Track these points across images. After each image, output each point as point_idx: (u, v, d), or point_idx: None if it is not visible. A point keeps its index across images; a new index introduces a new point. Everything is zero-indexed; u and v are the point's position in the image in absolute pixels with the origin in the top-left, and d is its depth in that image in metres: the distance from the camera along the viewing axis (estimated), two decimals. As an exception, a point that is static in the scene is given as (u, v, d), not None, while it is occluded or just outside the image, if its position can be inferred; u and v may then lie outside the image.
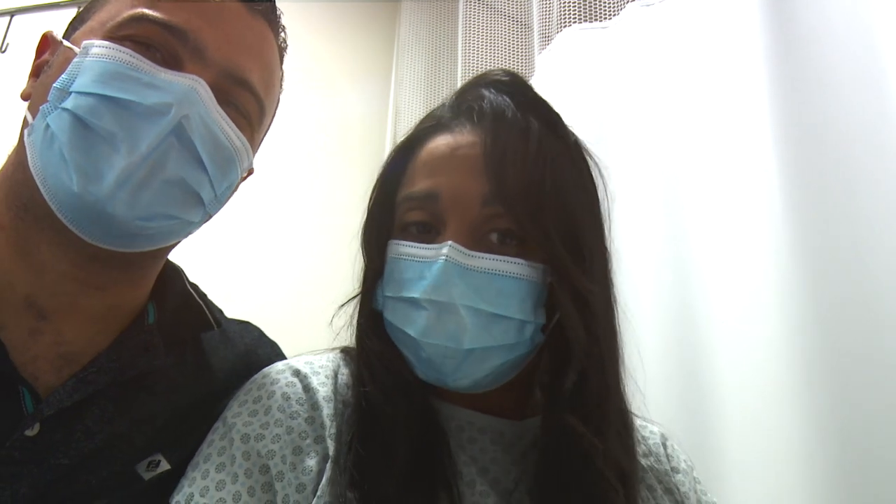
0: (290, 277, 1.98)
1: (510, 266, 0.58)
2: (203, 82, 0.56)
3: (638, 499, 0.60)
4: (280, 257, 1.96)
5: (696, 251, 1.10)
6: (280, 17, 0.68)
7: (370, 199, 0.68)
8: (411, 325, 0.59)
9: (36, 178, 0.54)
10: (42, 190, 0.54)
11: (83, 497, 0.55)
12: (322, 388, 0.62)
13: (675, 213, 1.14)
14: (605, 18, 1.40)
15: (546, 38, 1.52)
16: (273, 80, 0.67)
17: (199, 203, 0.59)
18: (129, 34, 0.56)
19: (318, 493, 0.54)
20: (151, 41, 0.57)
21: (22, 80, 1.68)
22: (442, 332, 0.57)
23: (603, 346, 0.60)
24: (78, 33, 0.59)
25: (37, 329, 0.57)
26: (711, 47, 1.14)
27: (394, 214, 0.64)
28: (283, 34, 0.68)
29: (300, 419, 0.59)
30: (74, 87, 0.54)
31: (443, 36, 2.12)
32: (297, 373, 0.63)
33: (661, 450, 0.72)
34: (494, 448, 0.62)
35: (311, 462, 0.56)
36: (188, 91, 0.55)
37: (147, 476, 0.58)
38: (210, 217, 0.64)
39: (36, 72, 0.61)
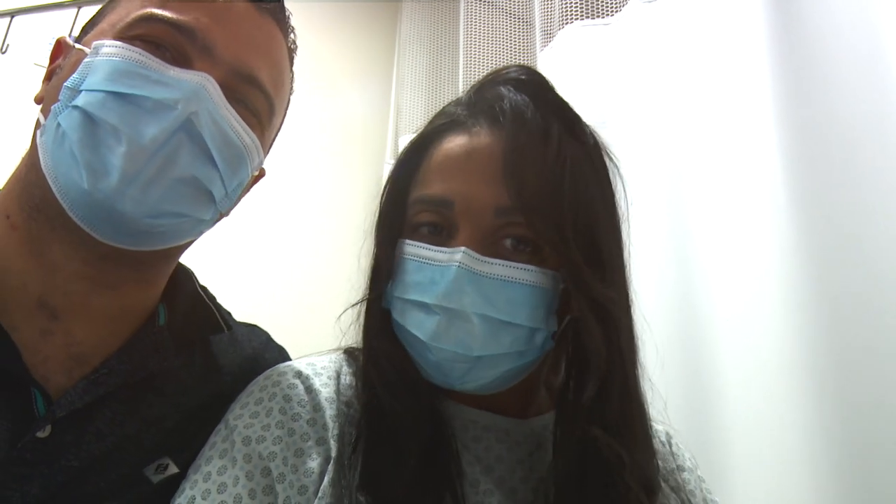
0: (291, 277, 1.99)
1: (523, 273, 0.57)
2: (212, 79, 0.56)
3: None
4: (281, 257, 1.96)
5: (699, 249, 1.10)
6: (289, 18, 0.68)
7: (381, 196, 0.68)
8: (421, 329, 0.58)
9: (48, 177, 0.54)
10: (53, 189, 0.54)
11: (92, 499, 0.54)
12: (324, 389, 0.62)
13: (679, 211, 1.14)
14: (608, 15, 1.39)
15: (548, 35, 1.52)
16: (282, 78, 0.67)
17: (210, 200, 0.59)
18: (139, 34, 0.57)
19: (320, 494, 0.54)
20: (161, 40, 0.57)
21: (22, 81, 1.68)
22: (452, 339, 0.56)
23: (625, 356, 0.59)
24: (89, 36, 0.60)
25: (48, 329, 0.57)
26: (714, 43, 1.14)
27: (405, 213, 0.63)
28: (292, 35, 0.69)
29: (302, 421, 0.59)
30: (85, 86, 0.54)
31: (444, 34, 2.12)
32: (298, 374, 0.63)
33: (667, 448, 0.72)
34: (499, 446, 0.62)
35: (313, 464, 0.56)
36: (197, 88, 0.55)
37: (155, 479, 0.58)
38: (222, 216, 0.64)
39: (49, 76, 0.62)
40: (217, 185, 0.59)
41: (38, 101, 0.61)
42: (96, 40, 0.57)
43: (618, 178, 0.65)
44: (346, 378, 0.64)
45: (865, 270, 0.90)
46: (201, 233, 0.63)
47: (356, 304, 0.68)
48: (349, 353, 0.68)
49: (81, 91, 0.54)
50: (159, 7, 0.58)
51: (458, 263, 0.56)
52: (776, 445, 0.92)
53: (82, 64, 0.56)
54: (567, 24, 1.44)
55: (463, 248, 0.56)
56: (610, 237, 0.62)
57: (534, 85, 0.63)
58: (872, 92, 0.94)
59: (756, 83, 1.04)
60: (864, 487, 0.85)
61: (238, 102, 0.60)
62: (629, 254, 0.65)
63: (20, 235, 0.57)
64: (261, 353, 0.75)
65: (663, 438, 0.73)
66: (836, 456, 0.87)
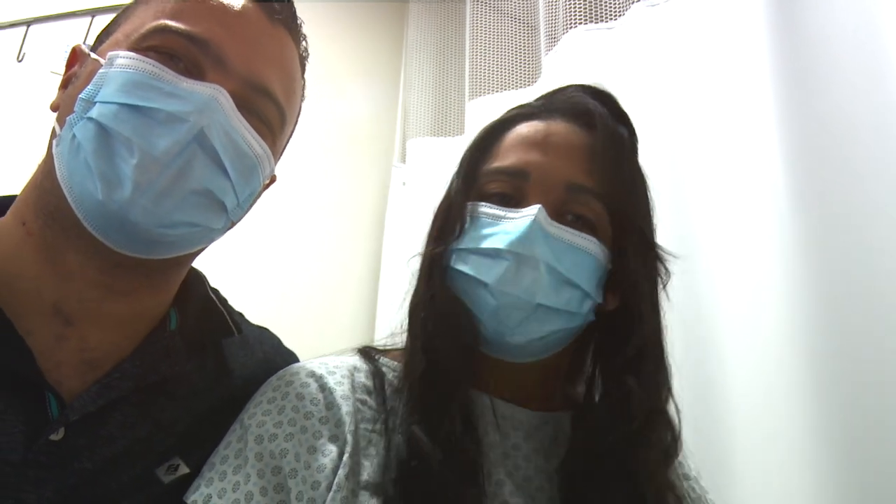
0: (298, 278, 2.00)
1: (587, 243, 0.63)
2: (224, 91, 0.57)
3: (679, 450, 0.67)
4: (288, 259, 1.98)
5: (702, 251, 1.10)
6: (301, 26, 0.68)
7: (456, 171, 0.72)
8: (487, 274, 0.62)
9: (63, 186, 0.55)
10: (68, 198, 0.55)
11: (105, 500, 0.56)
12: (339, 387, 0.64)
13: (683, 213, 1.14)
14: (611, 19, 1.40)
15: (553, 39, 1.53)
16: (294, 87, 0.67)
17: (223, 210, 0.60)
18: (152, 45, 0.58)
19: (335, 487, 0.56)
20: (174, 51, 0.58)
21: (38, 89, 1.72)
22: (518, 284, 0.61)
23: (658, 330, 0.67)
24: (104, 45, 0.61)
25: (62, 335, 0.58)
26: (717, 47, 1.14)
27: (474, 185, 0.68)
28: (304, 43, 0.69)
29: (314, 419, 0.61)
30: (99, 98, 0.55)
31: (451, 37, 2.13)
32: (311, 374, 0.65)
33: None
34: (516, 434, 0.66)
35: (325, 460, 0.58)
36: (209, 100, 0.56)
37: (167, 480, 0.59)
38: (233, 224, 0.65)
39: (65, 84, 0.63)
40: (229, 196, 0.60)
41: (53, 108, 0.62)
42: (111, 51, 0.58)
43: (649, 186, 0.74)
44: (361, 375, 0.67)
45: (869, 269, 0.90)
46: (213, 241, 0.64)
47: (421, 253, 0.70)
48: (363, 352, 0.71)
49: (96, 103, 0.55)
50: (173, 18, 0.59)
51: (533, 217, 0.61)
52: (779, 444, 0.92)
53: (97, 75, 0.57)
54: (571, 28, 1.45)
55: (538, 206, 0.62)
56: (651, 230, 0.70)
57: (605, 95, 0.72)
58: (875, 93, 0.94)
59: (758, 86, 1.04)
60: (868, 486, 0.85)
61: (250, 113, 0.61)
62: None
63: (36, 242, 0.58)
64: (272, 356, 0.76)
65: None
66: (839, 454, 0.87)
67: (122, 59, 0.56)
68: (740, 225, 1.05)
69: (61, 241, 0.57)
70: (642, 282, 0.66)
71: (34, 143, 1.70)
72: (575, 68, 1.41)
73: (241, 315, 0.76)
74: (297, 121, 0.72)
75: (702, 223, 1.12)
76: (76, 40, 1.68)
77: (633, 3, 1.34)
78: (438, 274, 0.66)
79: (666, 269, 0.69)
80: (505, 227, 0.63)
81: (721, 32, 1.14)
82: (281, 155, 0.70)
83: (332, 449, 0.59)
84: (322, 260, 2.05)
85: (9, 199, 0.63)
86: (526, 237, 0.61)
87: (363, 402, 0.64)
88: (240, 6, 0.62)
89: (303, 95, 0.71)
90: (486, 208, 0.65)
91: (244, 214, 0.66)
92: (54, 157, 0.57)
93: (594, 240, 0.64)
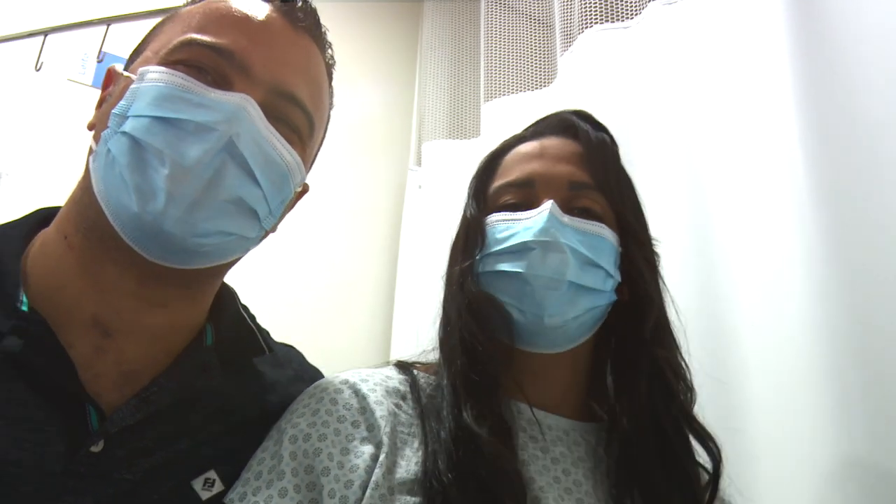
0: (314, 283, 2.00)
1: (598, 228, 0.71)
2: (251, 100, 0.58)
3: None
4: (304, 264, 1.98)
5: (722, 251, 1.09)
6: (326, 34, 0.69)
7: (467, 195, 0.80)
8: (519, 265, 0.68)
9: (100, 200, 0.57)
10: (106, 212, 0.56)
11: None
12: (372, 393, 0.67)
13: (702, 213, 1.14)
14: (628, 18, 1.39)
15: (568, 38, 1.52)
16: (321, 94, 0.68)
17: (255, 218, 0.61)
18: (181, 58, 0.59)
19: (372, 485, 0.59)
20: (202, 64, 0.59)
21: (56, 99, 1.73)
22: (549, 266, 0.67)
23: (663, 306, 0.76)
24: (136, 63, 0.62)
25: (101, 347, 0.59)
26: (736, 44, 1.13)
27: (486, 203, 0.76)
28: (329, 50, 0.70)
29: (347, 423, 0.64)
30: (131, 112, 0.57)
31: (465, 37, 2.12)
32: (344, 381, 0.68)
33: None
34: (550, 435, 0.70)
35: (358, 461, 0.61)
36: (237, 109, 0.57)
37: (204, 496, 0.60)
38: (266, 233, 0.66)
39: (100, 103, 0.64)
40: (261, 204, 0.61)
41: (90, 127, 0.63)
42: (142, 67, 0.59)
43: None
44: (395, 382, 0.71)
45: (890, 265, 0.89)
46: (247, 250, 0.65)
47: (454, 269, 0.75)
48: (397, 364, 0.75)
49: (129, 117, 0.57)
50: (199, 32, 0.60)
51: (549, 211, 0.69)
52: (799, 430, 0.92)
53: (129, 90, 0.58)
54: (587, 27, 1.43)
55: (551, 201, 0.69)
56: (642, 214, 0.79)
57: (584, 112, 0.82)
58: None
59: (778, 82, 1.03)
60: (891, 478, 0.84)
61: (278, 121, 0.61)
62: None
63: (76, 255, 0.59)
64: (301, 373, 0.78)
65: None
66: (860, 448, 0.86)
67: (152, 74, 0.58)
68: (760, 218, 1.04)
69: (100, 254, 0.58)
70: (645, 267, 0.74)
71: (55, 150, 1.74)
72: (591, 69, 1.41)
73: (267, 333, 0.77)
74: (326, 127, 0.73)
75: (721, 224, 1.11)
76: (92, 48, 1.70)
77: (649, 1, 1.33)
78: (470, 283, 0.72)
79: (656, 252, 0.78)
80: (524, 224, 0.70)
81: (739, 29, 1.13)
82: (312, 162, 0.71)
83: (364, 450, 0.62)
84: (339, 265, 2.06)
85: (54, 211, 0.64)
86: (546, 227, 0.68)
87: (398, 406, 0.67)
88: (264, 16, 0.63)
89: (331, 103, 0.72)
90: (501, 216, 0.72)
91: (277, 223, 0.67)
92: (91, 172, 0.58)
93: (603, 225, 0.71)
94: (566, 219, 0.69)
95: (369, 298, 2.07)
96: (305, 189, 0.72)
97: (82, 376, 0.57)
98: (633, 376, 0.72)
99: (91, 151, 0.60)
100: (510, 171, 0.76)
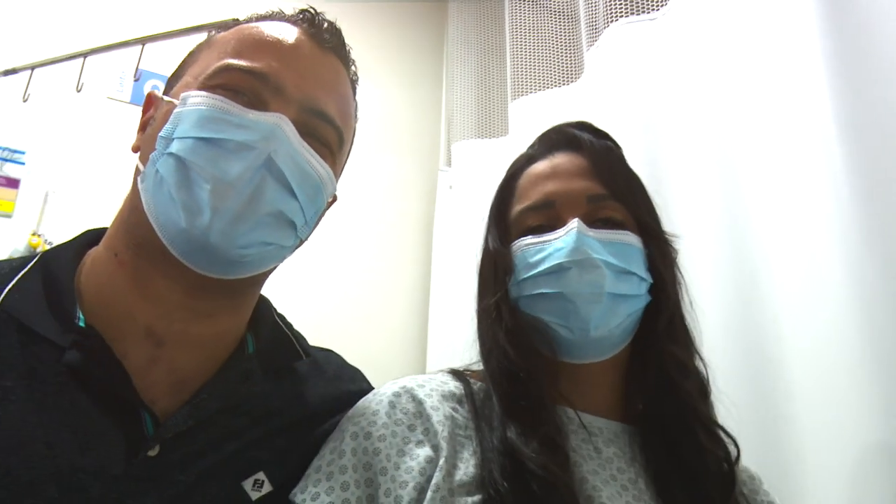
0: (349, 286, 2.03)
1: (623, 236, 0.73)
2: (286, 118, 0.62)
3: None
4: (338, 267, 2.01)
5: (758, 247, 1.08)
6: (350, 52, 0.73)
7: (488, 223, 0.82)
8: (557, 286, 0.71)
9: (150, 218, 0.60)
10: (155, 228, 0.60)
11: None
12: (428, 398, 0.71)
13: (738, 208, 1.13)
14: (654, 9, 1.38)
15: (593, 30, 1.51)
16: (348, 109, 0.72)
17: (292, 228, 0.65)
18: (219, 83, 0.63)
19: (433, 488, 0.62)
20: (238, 87, 0.63)
21: (97, 116, 1.78)
22: (587, 282, 0.70)
23: (678, 303, 0.77)
24: (176, 88, 0.66)
25: (154, 357, 0.63)
26: (766, 34, 1.12)
27: (509, 230, 0.78)
28: (353, 67, 0.74)
29: (403, 426, 0.68)
30: (176, 134, 0.61)
31: (491, 34, 2.14)
32: (402, 387, 0.72)
33: (758, 483, 0.79)
34: (595, 439, 0.72)
35: (413, 463, 0.65)
36: (273, 128, 0.61)
37: (254, 496, 0.64)
38: (302, 242, 0.70)
39: (143, 127, 0.68)
40: (298, 215, 0.64)
41: (134, 150, 0.67)
42: (183, 92, 0.63)
43: None
44: (450, 387, 0.74)
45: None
46: (284, 259, 0.68)
47: (490, 302, 0.76)
48: (451, 371, 0.78)
49: (174, 139, 0.60)
50: (235, 57, 0.64)
51: (576, 229, 0.71)
52: (842, 430, 0.91)
53: (173, 114, 0.62)
54: (613, 20, 1.43)
55: (577, 219, 0.71)
56: (655, 212, 0.80)
57: (586, 124, 0.83)
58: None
59: (812, 74, 1.01)
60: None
61: (310, 136, 0.65)
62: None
63: (127, 271, 0.63)
64: (339, 375, 0.81)
65: (753, 473, 0.80)
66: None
67: (194, 98, 0.62)
68: (796, 208, 1.03)
69: (150, 269, 0.62)
70: (662, 265, 0.75)
71: (98, 166, 1.79)
72: (618, 63, 1.40)
73: (303, 338, 0.81)
74: (353, 140, 0.76)
75: (757, 209, 1.10)
76: (129, 67, 1.75)
77: (674, -9, 1.32)
78: (507, 310, 0.74)
79: (674, 248, 0.79)
80: (554, 245, 0.72)
81: (769, 18, 1.12)
82: (341, 173, 0.75)
83: (419, 453, 0.65)
84: (373, 269, 2.08)
85: (101, 231, 0.68)
86: (576, 246, 0.70)
87: (455, 410, 0.71)
88: (293, 39, 0.67)
89: (356, 116, 0.76)
90: (528, 240, 0.74)
91: (311, 232, 0.71)
92: (140, 192, 0.62)
93: (628, 232, 0.73)
94: (593, 233, 0.71)
95: (404, 301, 2.09)
96: (334, 199, 0.76)
97: (137, 385, 0.60)
98: (646, 371, 0.74)
99: (138, 172, 0.64)
100: (528, 195, 0.77)
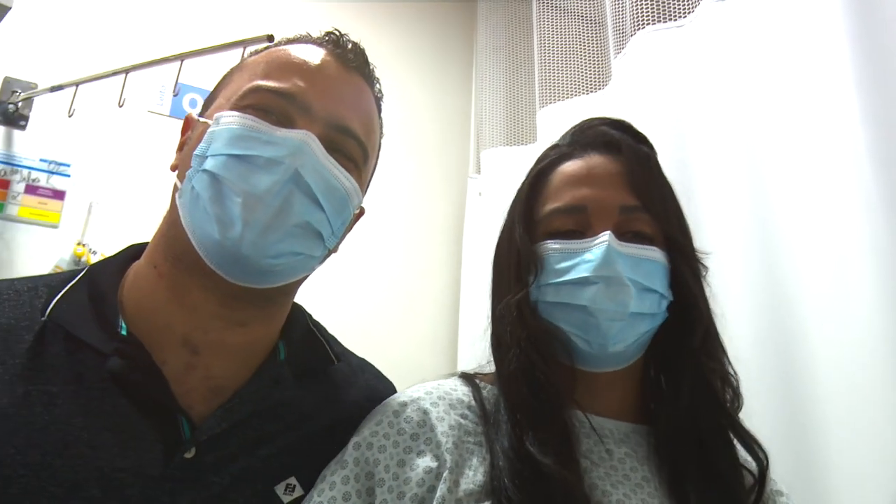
0: (380, 293, 2.05)
1: (651, 253, 0.72)
2: (312, 135, 0.65)
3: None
4: (370, 274, 2.03)
5: (785, 243, 1.08)
6: (374, 70, 0.77)
7: (509, 219, 0.81)
8: (582, 298, 0.70)
9: (187, 231, 0.64)
10: (192, 241, 0.64)
11: None
12: (434, 408, 0.71)
13: (767, 214, 1.12)
14: (681, 17, 1.37)
15: (621, 38, 1.51)
16: (373, 125, 0.75)
17: (319, 239, 0.68)
18: (249, 103, 0.67)
19: (438, 500, 0.62)
20: (267, 106, 0.67)
21: (138, 130, 1.84)
22: (611, 300, 0.69)
23: (711, 316, 0.76)
24: (210, 109, 0.71)
25: (191, 364, 0.66)
26: (793, 40, 1.11)
27: (537, 228, 0.76)
28: (378, 85, 0.77)
29: (406, 436, 0.69)
30: (210, 152, 0.65)
31: (519, 40, 2.14)
32: (409, 396, 0.73)
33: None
34: (608, 441, 0.72)
35: (412, 474, 0.65)
36: (300, 144, 0.64)
37: (286, 500, 0.67)
38: (330, 252, 0.73)
39: (181, 147, 0.73)
40: (325, 226, 0.68)
41: (173, 168, 0.71)
42: (216, 112, 0.67)
43: None
44: (459, 393, 0.74)
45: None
46: (313, 269, 0.72)
47: (512, 299, 0.75)
48: (461, 375, 0.78)
49: (208, 156, 0.64)
50: (264, 79, 0.68)
51: (606, 243, 0.70)
52: (874, 439, 0.89)
53: (207, 134, 0.66)
54: (639, 28, 1.42)
55: (608, 232, 0.70)
56: (687, 229, 0.79)
57: (623, 124, 0.81)
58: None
59: (840, 79, 1.00)
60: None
61: (336, 151, 0.68)
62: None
63: (166, 283, 0.67)
64: (374, 383, 0.84)
65: (782, 489, 0.79)
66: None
67: (226, 118, 0.66)
68: (824, 215, 1.02)
69: (187, 280, 0.66)
70: (692, 280, 0.75)
71: (139, 179, 1.85)
72: (645, 71, 1.40)
73: (340, 344, 0.84)
74: (378, 155, 0.79)
75: (785, 216, 1.09)
76: (168, 81, 1.81)
77: (701, -1, 1.31)
78: (528, 312, 0.73)
79: (704, 265, 0.78)
80: (584, 256, 0.71)
81: (796, 24, 1.11)
82: (367, 186, 0.78)
83: (419, 464, 0.66)
84: (402, 274, 2.10)
85: (143, 246, 0.73)
86: (606, 261, 0.69)
87: (463, 417, 0.71)
88: (319, 60, 0.71)
89: (381, 132, 0.79)
90: (557, 244, 0.73)
91: (339, 243, 0.74)
92: (178, 207, 0.66)
93: (655, 248, 0.72)
94: (623, 248, 0.70)
95: (434, 308, 2.11)
96: (362, 212, 0.79)
97: (175, 390, 0.64)
98: (679, 385, 0.74)
99: (176, 189, 0.68)
100: (559, 195, 0.75)
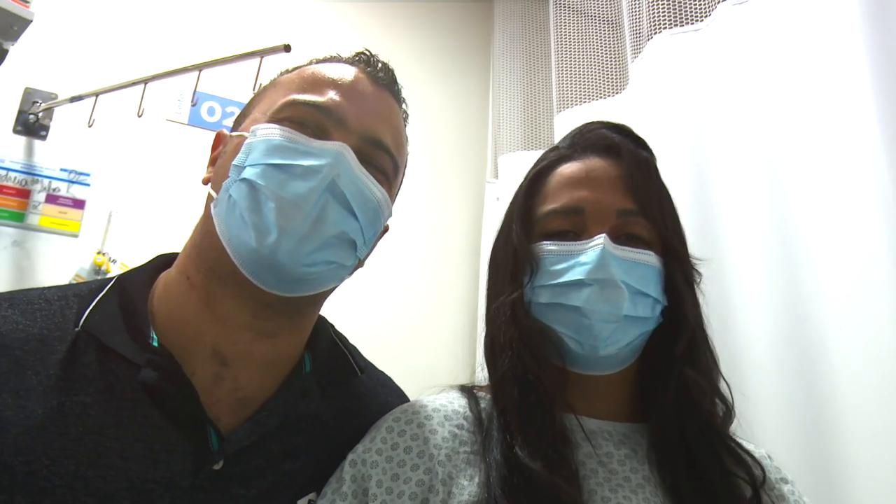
0: (398, 299, 2.06)
1: (646, 257, 0.72)
2: (347, 147, 0.67)
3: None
4: (387, 279, 2.03)
5: (803, 246, 1.08)
6: (401, 90, 0.79)
7: (507, 219, 0.81)
8: (576, 299, 0.70)
9: (222, 240, 0.65)
10: (228, 250, 0.65)
11: None
12: (427, 421, 0.71)
13: (782, 213, 1.12)
14: (698, 20, 1.37)
15: (638, 41, 1.51)
16: (401, 140, 0.77)
17: (352, 248, 0.69)
18: (286, 116, 0.68)
19: None
20: (304, 119, 0.68)
21: (157, 138, 1.86)
22: (605, 302, 0.69)
23: (699, 317, 0.76)
24: (245, 123, 0.72)
25: (219, 375, 0.67)
26: (810, 43, 1.11)
27: (533, 229, 0.76)
28: (404, 104, 0.79)
29: (399, 450, 0.69)
30: (248, 162, 0.66)
31: (536, 43, 2.15)
32: (403, 410, 0.74)
33: (769, 461, 0.78)
34: (606, 444, 0.72)
35: (404, 487, 0.66)
36: (337, 154, 0.66)
37: None
38: (361, 263, 0.73)
39: (213, 161, 0.74)
40: (358, 235, 0.69)
41: (205, 182, 0.73)
42: (253, 125, 0.69)
43: None
44: (455, 405, 0.74)
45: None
46: (343, 279, 0.72)
47: (507, 298, 0.75)
48: (459, 387, 0.78)
49: (246, 166, 0.65)
50: (300, 93, 0.70)
51: (602, 245, 0.70)
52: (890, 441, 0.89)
53: (244, 145, 0.67)
54: (656, 32, 1.42)
55: (604, 235, 0.70)
56: (681, 231, 0.79)
57: (623, 128, 0.81)
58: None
59: (857, 82, 1.00)
60: None
61: (368, 164, 0.70)
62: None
63: (198, 293, 0.68)
64: (393, 401, 0.83)
65: (764, 453, 0.79)
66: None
67: (263, 130, 0.67)
68: (843, 219, 1.02)
69: (219, 291, 0.67)
70: (684, 287, 0.74)
71: (158, 187, 1.86)
72: (663, 75, 1.40)
73: (363, 356, 0.84)
74: (405, 169, 0.80)
75: (803, 219, 1.09)
76: (187, 91, 1.82)
77: (718, 2, 1.31)
78: (522, 312, 0.73)
79: (698, 272, 0.78)
80: (579, 259, 0.71)
81: (813, 26, 1.11)
82: (395, 199, 0.79)
83: (411, 477, 0.66)
84: (420, 280, 2.10)
85: (173, 256, 0.74)
86: (601, 264, 0.69)
87: (459, 427, 0.71)
88: (352, 77, 0.73)
89: (407, 148, 0.80)
90: (553, 246, 0.73)
91: (369, 253, 0.75)
92: (213, 217, 0.67)
93: (651, 253, 0.73)
94: (618, 251, 0.70)
95: (452, 314, 2.10)
96: (386, 229, 0.79)
97: (204, 402, 0.64)
98: (662, 391, 0.73)
99: (210, 199, 0.69)
100: (557, 196, 0.76)
